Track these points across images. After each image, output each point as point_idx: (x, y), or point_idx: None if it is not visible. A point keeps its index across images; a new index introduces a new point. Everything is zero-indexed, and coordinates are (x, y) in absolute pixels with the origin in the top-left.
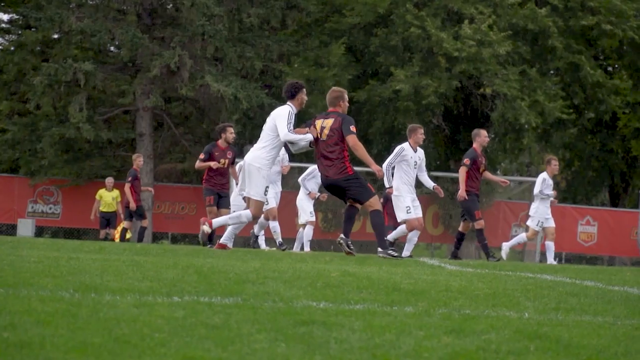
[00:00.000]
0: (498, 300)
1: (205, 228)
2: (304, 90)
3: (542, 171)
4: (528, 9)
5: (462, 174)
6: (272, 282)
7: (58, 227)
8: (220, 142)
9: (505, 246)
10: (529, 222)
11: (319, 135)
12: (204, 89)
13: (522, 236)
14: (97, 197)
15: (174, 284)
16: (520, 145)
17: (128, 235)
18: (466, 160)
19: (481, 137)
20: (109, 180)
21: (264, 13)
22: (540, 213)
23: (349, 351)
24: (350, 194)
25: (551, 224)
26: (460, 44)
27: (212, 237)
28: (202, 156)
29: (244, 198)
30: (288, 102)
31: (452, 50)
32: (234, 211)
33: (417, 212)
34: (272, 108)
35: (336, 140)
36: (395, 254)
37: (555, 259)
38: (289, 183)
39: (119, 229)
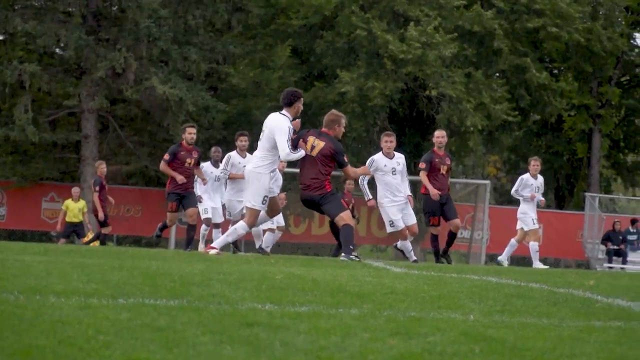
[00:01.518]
0: (443, 302)
1: (213, 252)
2: (302, 99)
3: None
4: (474, 12)
5: (422, 178)
6: (217, 284)
7: (2, 229)
8: (184, 143)
9: (503, 258)
10: (524, 226)
11: (308, 151)
12: (150, 91)
13: (533, 245)
14: (63, 207)
15: (119, 286)
16: (465, 148)
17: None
18: (421, 164)
19: (434, 138)
20: (75, 191)
21: (210, 15)
22: (529, 212)
23: (294, 353)
24: (323, 209)
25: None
26: (406, 46)
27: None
28: (166, 157)
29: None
30: (284, 110)
31: (398, 53)
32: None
33: (406, 220)
34: (217, 110)
35: (324, 162)
36: (357, 258)
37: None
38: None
39: (89, 235)
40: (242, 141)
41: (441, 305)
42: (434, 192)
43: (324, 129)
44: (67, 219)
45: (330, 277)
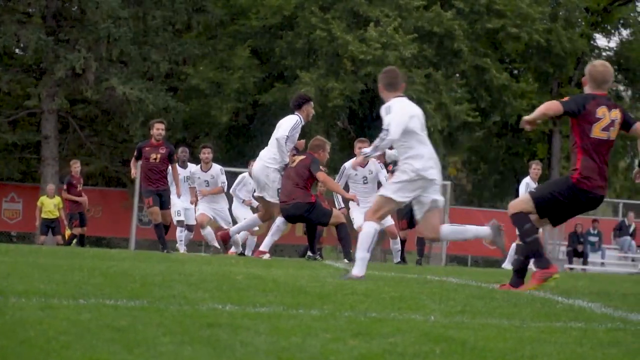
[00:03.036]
0: (404, 303)
1: (266, 257)
2: (311, 103)
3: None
4: (433, 12)
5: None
6: (178, 285)
7: None
8: (152, 140)
9: (506, 265)
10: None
11: (290, 163)
12: (109, 92)
13: (514, 247)
14: (38, 203)
15: (80, 286)
16: None
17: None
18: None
19: None
20: (50, 187)
21: (169, 15)
22: None
23: (255, 354)
24: (313, 222)
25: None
26: (366, 47)
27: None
28: (135, 153)
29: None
30: (295, 113)
31: (358, 53)
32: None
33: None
34: (178, 110)
35: (305, 174)
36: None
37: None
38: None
39: (68, 233)
40: (205, 153)
41: (402, 306)
42: None
43: (309, 151)
44: (43, 215)
45: (291, 278)
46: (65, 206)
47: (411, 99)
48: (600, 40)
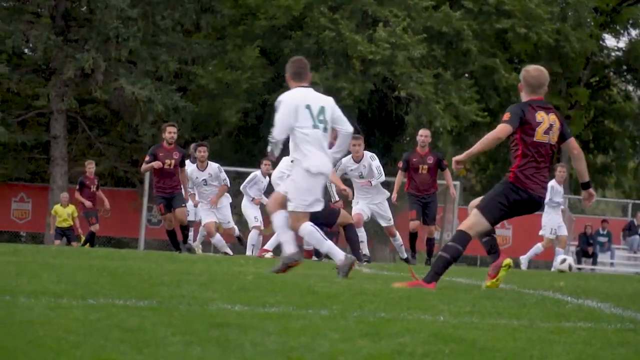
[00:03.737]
0: (413, 303)
1: (268, 255)
2: None
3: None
4: (442, 12)
5: (397, 178)
6: (187, 285)
7: None
8: (165, 143)
9: (524, 259)
10: (542, 232)
11: None
12: (118, 92)
13: (538, 246)
14: (52, 212)
15: (89, 286)
16: (435, 148)
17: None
18: (399, 163)
19: (417, 136)
20: (64, 196)
21: (179, 16)
22: (553, 221)
23: (264, 354)
24: (320, 221)
25: (563, 232)
26: (375, 47)
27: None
28: (146, 158)
29: None
30: None
31: (367, 53)
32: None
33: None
34: (187, 110)
35: None
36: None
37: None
38: None
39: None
40: (201, 152)
41: (411, 306)
42: (392, 197)
43: None
44: (57, 224)
45: (300, 278)
46: (78, 205)
47: (420, 99)
48: (609, 41)
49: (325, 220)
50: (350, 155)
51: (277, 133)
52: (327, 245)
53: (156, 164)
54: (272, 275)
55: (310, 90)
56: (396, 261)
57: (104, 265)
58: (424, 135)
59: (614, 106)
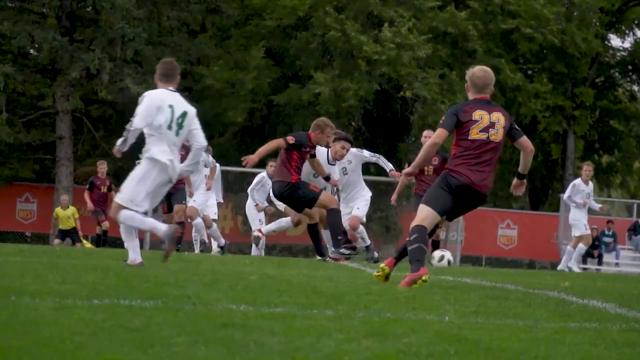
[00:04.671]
0: (418, 303)
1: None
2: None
3: None
4: (448, 13)
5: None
6: (192, 285)
7: None
8: None
9: (572, 264)
10: (574, 232)
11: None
12: (124, 92)
13: (580, 247)
14: (54, 215)
15: (94, 286)
16: (440, 149)
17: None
18: (404, 165)
19: (421, 137)
20: (64, 198)
21: (184, 16)
22: (581, 217)
23: (269, 354)
24: (300, 200)
25: (577, 232)
26: (380, 47)
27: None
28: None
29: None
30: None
31: (372, 54)
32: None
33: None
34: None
35: (289, 154)
36: (347, 252)
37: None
38: None
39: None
40: None
41: (416, 307)
42: (392, 198)
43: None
44: (60, 227)
45: (305, 278)
46: (88, 202)
47: (425, 99)
48: (615, 41)
49: (305, 196)
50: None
51: (136, 122)
52: (149, 223)
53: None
54: (277, 275)
55: (176, 95)
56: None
57: (108, 265)
58: (428, 135)
59: (620, 106)
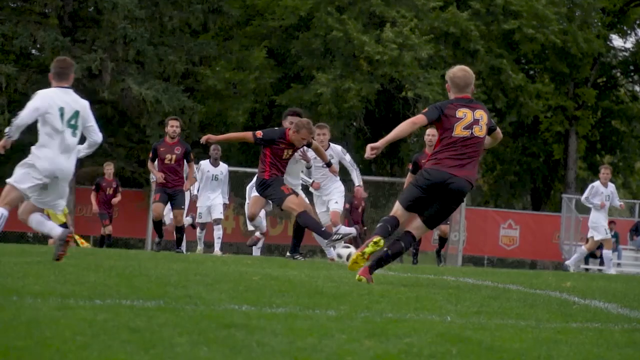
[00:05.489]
0: (420, 303)
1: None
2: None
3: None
4: (449, 13)
5: (407, 179)
6: (194, 285)
7: None
8: (167, 138)
9: (605, 268)
10: (595, 236)
11: None
12: (126, 92)
13: (606, 253)
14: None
15: (96, 287)
16: None
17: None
18: (408, 165)
19: (425, 136)
20: None
21: (186, 16)
22: (601, 220)
23: (271, 354)
24: (270, 199)
25: (597, 235)
26: (382, 48)
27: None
28: (150, 155)
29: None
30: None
31: (374, 54)
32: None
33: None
34: (194, 111)
35: (263, 150)
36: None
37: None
38: None
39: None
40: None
41: (418, 307)
42: None
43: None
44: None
45: (307, 279)
46: (94, 204)
47: (427, 99)
48: (617, 41)
49: (270, 198)
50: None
51: (22, 117)
52: (48, 226)
53: (158, 177)
54: (279, 276)
55: (70, 92)
56: (403, 261)
57: (111, 265)
58: (431, 134)
59: (621, 107)
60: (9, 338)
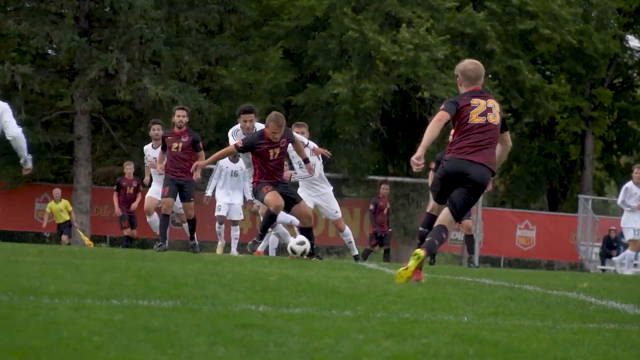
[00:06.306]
0: (437, 304)
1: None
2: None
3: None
4: (466, 13)
5: (429, 178)
6: (211, 285)
7: None
8: (175, 128)
9: (626, 270)
10: (626, 236)
11: None
12: (142, 92)
13: (629, 254)
14: (47, 209)
15: (113, 287)
16: None
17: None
18: (431, 164)
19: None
20: (56, 192)
21: (202, 16)
22: (632, 222)
23: (288, 355)
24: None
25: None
26: (398, 48)
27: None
28: (160, 144)
29: None
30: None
31: (390, 54)
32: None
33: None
34: (210, 111)
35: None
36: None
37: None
38: None
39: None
40: (155, 130)
41: (435, 307)
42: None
43: None
44: (56, 220)
45: (324, 279)
46: (116, 205)
47: (443, 100)
48: (633, 42)
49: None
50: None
51: None
52: None
53: (159, 168)
54: (296, 276)
55: None
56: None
57: (127, 265)
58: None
59: (638, 107)
60: (26, 338)
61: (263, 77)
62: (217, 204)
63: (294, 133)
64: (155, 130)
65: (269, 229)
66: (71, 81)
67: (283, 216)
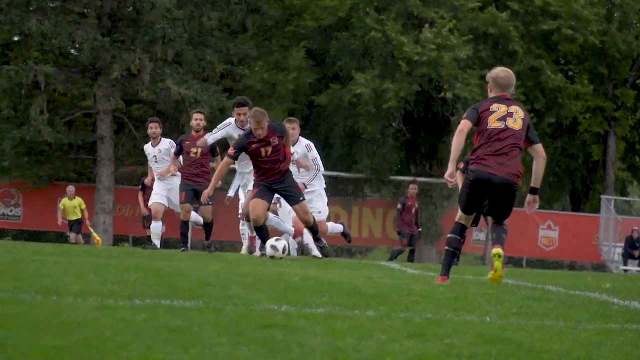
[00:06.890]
0: (460, 304)
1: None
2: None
3: None
4: (488, 14)
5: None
6: (234, 285)
7: (19, 230)
8: (192, 132)
9: None
10: None
11: None
12: (165, 92)
13: None
14: (60, 206)
15: (136, 287)
16: None
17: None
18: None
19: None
20: (70, 189)
21: (225, 16)
22: None
23: (311, 355)
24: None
25: None
26: (421, 48)
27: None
28: (175, 150)
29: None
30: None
31: (413, 55)
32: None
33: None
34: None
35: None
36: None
37: None
38: None
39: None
40: (152, 128)
41: (458, 308)
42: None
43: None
44: (68, 217)
45: (346, 279)
46: (142, 205)
47: (466, 100)
48: None
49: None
50: None
51: None
52: None
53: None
54: (319, 276)
55: None
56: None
57: (150, 265)
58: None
59: None
60: (49, 338)
61: (286, 77)
62: (241, 202)
63: (287, 129)
64: (153, 128)
65: (269, 237)
66: (94, 81)
67: (282, 226)
